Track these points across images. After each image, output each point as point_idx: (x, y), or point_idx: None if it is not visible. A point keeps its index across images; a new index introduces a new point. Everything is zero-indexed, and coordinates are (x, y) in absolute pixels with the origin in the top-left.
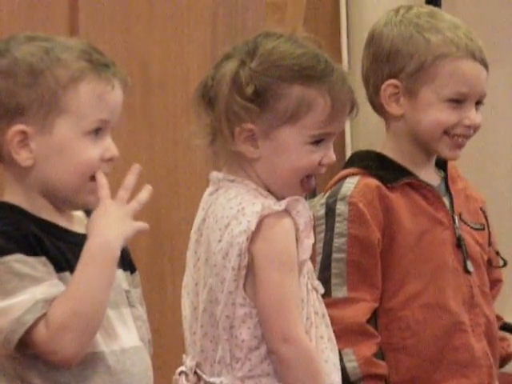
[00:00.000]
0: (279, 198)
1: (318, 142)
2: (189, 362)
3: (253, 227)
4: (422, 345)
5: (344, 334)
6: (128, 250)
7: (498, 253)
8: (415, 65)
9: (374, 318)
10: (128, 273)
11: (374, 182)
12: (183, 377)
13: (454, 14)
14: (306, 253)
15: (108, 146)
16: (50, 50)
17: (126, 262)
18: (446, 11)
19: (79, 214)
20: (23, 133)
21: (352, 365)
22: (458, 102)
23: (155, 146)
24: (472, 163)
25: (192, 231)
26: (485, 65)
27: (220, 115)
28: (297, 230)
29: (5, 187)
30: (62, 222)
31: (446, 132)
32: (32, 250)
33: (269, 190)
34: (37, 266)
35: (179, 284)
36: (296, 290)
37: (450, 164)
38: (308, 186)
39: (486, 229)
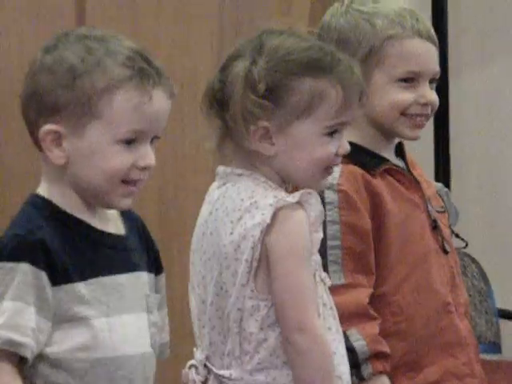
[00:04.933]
0: (289, 191)
1: (332, 133)
2: (199, 355)
3: (268, 220)
4: (414, 328)
5: (347, 317)
6: (156, 250)
7: (457, 235)
8: (364, 50)
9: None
10: (152, 275)
11: (357, 169)
12: (193, 370)
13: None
14: (314, 246)
15: (144, 154)
16: (94, 52)
17: (153, 262)
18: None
19: (114, 212)
20: (56, 132)
21: (360, 343)
22: (410, 81)
23: (162, 136)
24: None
25: (198, 224)
26: (433, 42)
27: (235, 115)
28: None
29: (42, 179)
30: (94, 220)
31: (403, 113)
32: (34, 262)
33: (288, 183)
34: (26, 280)
35: (188, 277)
36: (311, 282)
37: (406, 150)
38: (328, 176)
39: (447, 212)
